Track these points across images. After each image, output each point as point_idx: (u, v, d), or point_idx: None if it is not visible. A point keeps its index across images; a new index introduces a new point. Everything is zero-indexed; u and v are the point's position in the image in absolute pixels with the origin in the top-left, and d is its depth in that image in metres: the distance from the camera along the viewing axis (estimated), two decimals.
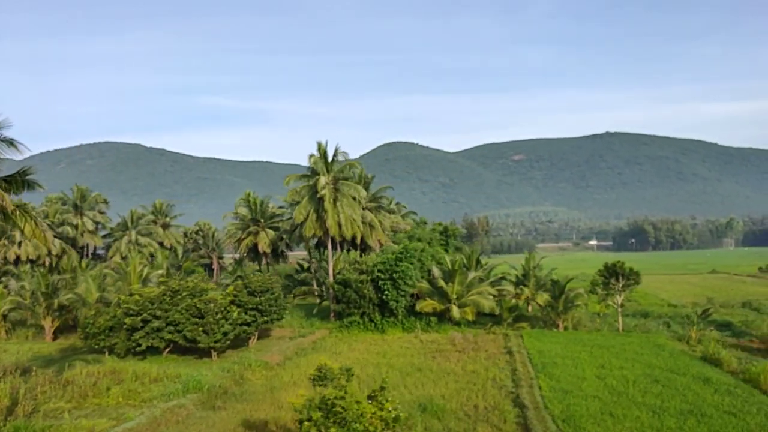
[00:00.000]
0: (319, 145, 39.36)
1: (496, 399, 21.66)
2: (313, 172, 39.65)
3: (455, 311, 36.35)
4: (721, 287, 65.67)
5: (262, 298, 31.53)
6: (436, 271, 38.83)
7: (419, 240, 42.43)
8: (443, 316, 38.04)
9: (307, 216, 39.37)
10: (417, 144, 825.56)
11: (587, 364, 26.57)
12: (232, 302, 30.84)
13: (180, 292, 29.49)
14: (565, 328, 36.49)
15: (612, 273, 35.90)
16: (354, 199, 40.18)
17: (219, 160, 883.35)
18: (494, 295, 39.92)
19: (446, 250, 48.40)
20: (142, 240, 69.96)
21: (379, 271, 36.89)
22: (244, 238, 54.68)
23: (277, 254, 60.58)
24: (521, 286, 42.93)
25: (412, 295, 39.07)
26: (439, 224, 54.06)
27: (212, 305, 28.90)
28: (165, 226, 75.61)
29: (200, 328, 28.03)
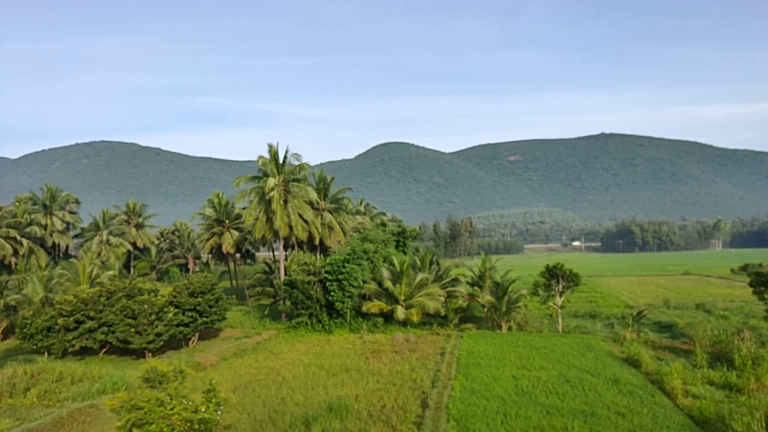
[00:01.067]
0: (270, 147, 39.65)
1: (407, 399, 21.98)
2: (265, 174, 39.91)
3: (399, 312, 36.67)
4: (686, 289, 66.14)
5: (201, 299, 31.76)
6: (385, 273, 39.12)
7: (371, 242, 42.61)
8: (390, 317, 38.35)
9: (257, 217, 39.63)
10: (413, 144, 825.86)
11: (510, 365, 26.91)
12: (170, 303, 31.06)
13: (115, 293, 29.71)
14: (509, 329, 36.81)
15: (553, 275, 36.24)
16: (306, 200, 40.39)
17: (215, 159, 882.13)
18: (446, 297, 40.28)
19: (404, 252, 48.64)
20: (114, 240, 70.10)
21: (326, 272, 37.21)
22: (209, 239, 54.86)
23: (243, 255, 60.74)
24: (476, 288, 43.31)
25: (362, 296, 39.43)
26: (398, 226, 54.33)
27: (146, 306, 29.12)
28: (138, 226, 75.75)
29: (132, 329, 28.27)
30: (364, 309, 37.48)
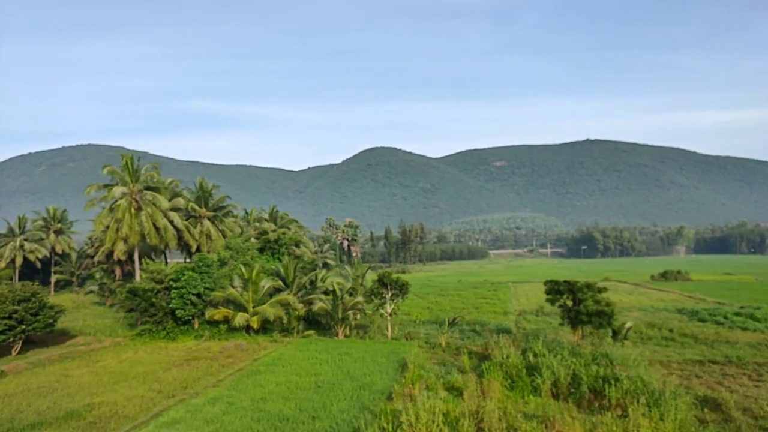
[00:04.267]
0: (123, 156, 40.45)
1: (148, 406, 22.82)
2: (120, 182, 40.69)
3: (238, 319, 37.37)
4: None
5: (20, 307, 32.40)
6: (236, 281, 39.95)
7: (230, 249, 43.40)
8: (242, 325, 39.09)
9: (108, 226, 40.40)
10: (400, 149, 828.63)
11: (294, 372, 27.65)
12: None
13: None
14: (346, 336, 37.72)
15: (383, 283, 37.19)
16: (167, 209, 41.16)
17: (202, 163, 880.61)
18: (305, 304, 41.15)
19: (279, 260, 49.44)
20: (29, 246, 70.46)
21: (171, 280, 37.98)
22: (99, 246, 55.41)
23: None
24: (349, 296, 44.19)
25: (214, 304, 40.16)
26: (282, 232, 55.09)
27: None
28: (58, 232, 76.10)
29: None
30: (207, 316, 38.25)
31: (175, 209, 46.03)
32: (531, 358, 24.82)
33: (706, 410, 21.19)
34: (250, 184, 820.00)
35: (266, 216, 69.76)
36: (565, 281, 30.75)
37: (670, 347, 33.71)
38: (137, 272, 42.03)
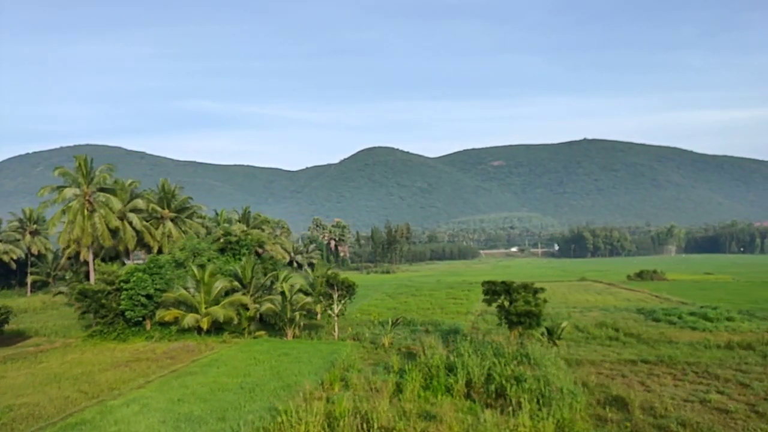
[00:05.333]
0: (77, 158, 40.72)
1: (58, 407, 23.06)
2: (73, 184, 40.96)
3: (187, 320, 37.65)
4: (555, 294, 67.72)
5: None
6: (189, 282, 40.21)
7: (189, 250, 43.59)
8: (191, 326, 39.34)
9: (63, 227, 40.67)
10: (397, 149, 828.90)
11: (228, 373, 27.95)
12: None
13: None
14: (294, 336, 37.99)
15: (330, 285, 37.44)
16: (122, 210, 41.41)
17: (200, 163, 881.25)
18: (259, 305, 41.41)
19: (240, 260, 49.67)
20: (3, 247, 70.73)
21: (121, 281, 38.25)
22: (66, 248, 55.63)
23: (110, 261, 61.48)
24: (308, 297, 44.46)
25: (167, 305, 40.39)
26: (246, 233, 55.29)
27: None
28: (34, 233, 76.37)
29: None
30: (157, 317, 38.51)
31: (135, 210, 46.29)
32: (452, 357, 25.08)
33: (612, 409, 21.47)
34: (248, 184, 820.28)
35: (237, 217, 69.89)
36: (501, 282, 31.02)
37: (612, 347, 33.96)
38: (91, 274, 42.31)
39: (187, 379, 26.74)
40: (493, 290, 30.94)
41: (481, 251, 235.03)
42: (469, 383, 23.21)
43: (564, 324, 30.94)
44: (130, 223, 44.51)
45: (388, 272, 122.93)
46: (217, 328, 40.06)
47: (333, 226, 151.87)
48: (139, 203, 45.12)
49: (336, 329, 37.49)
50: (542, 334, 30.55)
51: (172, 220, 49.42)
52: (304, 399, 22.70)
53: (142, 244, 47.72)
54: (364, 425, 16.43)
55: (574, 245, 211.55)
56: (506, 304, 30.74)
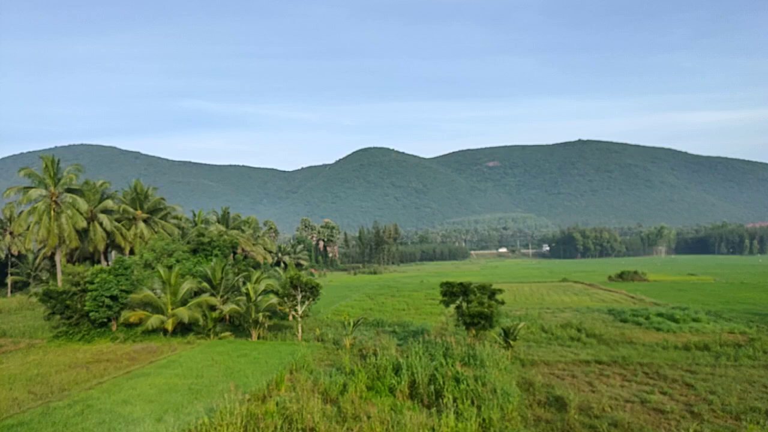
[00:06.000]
0: (44, 158, 40.74)
1: (1, 409, 23.11)
2: (40, 184, 40.97)
3: (151, 321, 37.68)
4: (530, 296, 68.13)
5: None
6: (156, 283, 40.26)
7: (157, 251, 43.68)
8: (157, 327, 39.37)
9: (28, 227, 40.68)
10: (393, 150, 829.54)
11: (182, 374, 27.99)
12: None
13: None
14: (259, 337, 38.08)
15: (294, 285, 37.55)
16: (85, 211, 41.42)
17: (195, 163, 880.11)
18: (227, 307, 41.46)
19: (212, 261, 49.80)
20: None
21: (87, 282, 38.26)
22: (41, 248, 55.64)
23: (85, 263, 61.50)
24: (284, 298, 44.48)
25: (131, 307, 40.39)
26: (220, 233, 55.35)
27: None
28: (14, 234, 76.09)
29: None
30: (122, 318, 38.52)
31: (106, 211, 46.28)
32: (400, 358, 25.24)
33: (551, 409, 21.67)
34: (243, 184, 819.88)
35: (217, 217, 69.90)
36: (459, 283, 31.20)
37: (571, 347, 34.21)
38: (59, 274, 42.32)
39: (140, 381, 26.79)
40: (450, 292, 31.12)
41: (472, 252, 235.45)
42: (414, 384, 23.41)
43: (521, 325, 31.13)
44: (101, 224, 44.49)
45: (375, 273, 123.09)
46: (186, 329, 40.18)
47: (322, 226, 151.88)
48: (110, 204, 45.17)
49: (300, 330, 37.59)
50: (499, 334, 30.74)
51: (144, 220, 49.43)
52: (242, 401, 22.92)
53: (113, 245, 47.72)
54: (285, 426, 16.56)
55: (565, 246, 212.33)
56: (464, 305, 30.92)
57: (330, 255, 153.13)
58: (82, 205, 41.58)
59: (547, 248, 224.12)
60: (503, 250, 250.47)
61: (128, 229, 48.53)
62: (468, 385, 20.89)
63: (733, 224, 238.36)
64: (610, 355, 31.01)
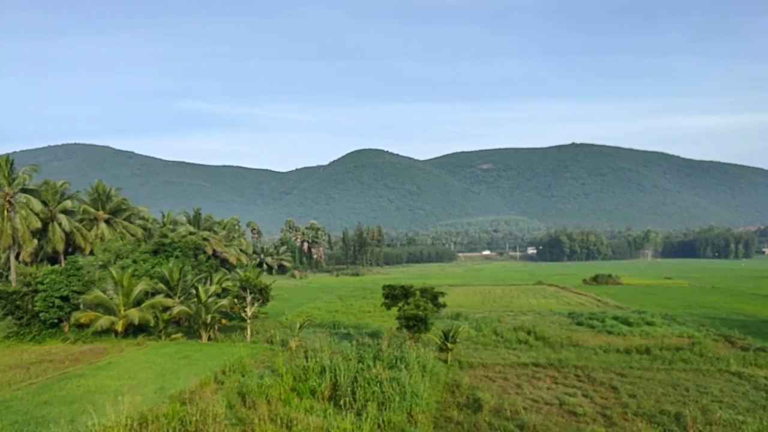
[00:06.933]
0: None
1: None
2: None
3: (101, 322, 37.67)
4: (500, 298, 68.52)
5: None
6: (108, 284, 40.26)
7: (112, 252, 43.70)
8: (109, 328, 39.37)
9: None
10: (387, 151, 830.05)
11: (117, 376, 28.02)
12: None
13: None
14: (210, 338, 38.13)
15: (244, 288, 37.64)
16: (39, 211, 41.37)
17: (188, 164, 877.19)
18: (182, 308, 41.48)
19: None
20: None
21: (38, 283, 38.22)
22: (5, 249, 55.37)
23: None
24: (235, 299, 44.51)
25: (84, 307, 40.37)
26: (183, 234, 55.37)
27: None
28: None
29: None
30: (73, 319, 38.49)
31: (67, 212, 46.22)
32: (327, 360, 25.37)
33: (468, 411, 21.85)
34: (237, 185, 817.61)
35: (188, 218, 69.83)
36: (401, 286, 31.37)
37: (516, 350, 34.40)
38: (12, 275, 42.28)
39: (71, 382, 26.79)
40: (392, 294, 31.28)
41: (460, 254, 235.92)
42: (336, 386, 23.55)
43: (462, 328, 31.33)
44: (60, 225, 44.42)
45: (357, 275, 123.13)
46: (141, 330, 40.18)
47: (306, 227, 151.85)
48: (69, 204, 45.11)
49: (249, 332, 37.67)
50: (440, 337, 30.92)
51: (106, 221, 49.38)
52: (171, 401, 22.99)
53: (73, 245, 47.65)
54: (179, 428, 16.69)
55: (551, 249, 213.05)
56: (405, 308, 31.09)
57: (315, 256, 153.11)
58: (37, 205, 41.54)
59: (534, 251, 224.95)
60: (486, 252, 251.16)
61: (89, 230, 48.46)
62: (380, 387, 21.03)
63: (720, 228, 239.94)
64: (550, 358, 31.21)
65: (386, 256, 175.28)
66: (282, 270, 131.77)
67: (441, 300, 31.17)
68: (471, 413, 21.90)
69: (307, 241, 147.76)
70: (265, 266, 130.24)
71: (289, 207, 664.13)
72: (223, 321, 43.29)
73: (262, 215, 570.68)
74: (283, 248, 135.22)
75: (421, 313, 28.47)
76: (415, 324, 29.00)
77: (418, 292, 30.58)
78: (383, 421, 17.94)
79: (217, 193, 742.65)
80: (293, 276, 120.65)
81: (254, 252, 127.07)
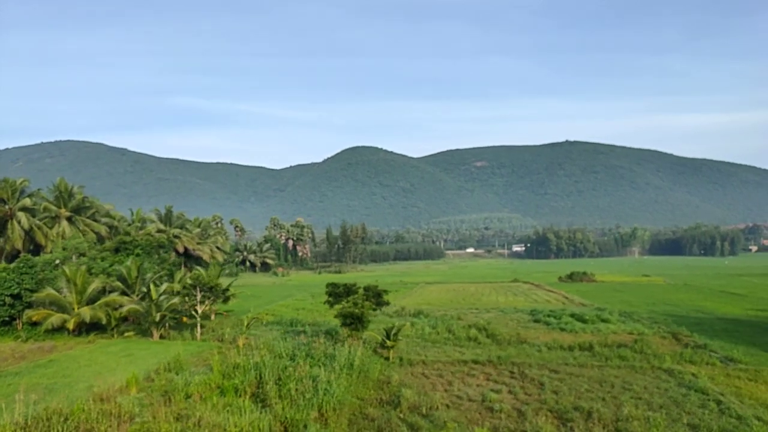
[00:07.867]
0: None
1: None
2: None
3: (52, 320, 37.68)
4: (473, 295, 69.00)
5: None
6: (62, 282, 40.24)
7: (68, 250, 43.65)
8: (62, 326, 39.36)
9: None
10: (381, 149, 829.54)
11: (53, 375, 28.00)
12: None
13: None
14: (161, 337, 38.20)
15: (193, 286, 37.71)
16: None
17: (182, 161, 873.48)
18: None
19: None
20: None
21: None
22: None
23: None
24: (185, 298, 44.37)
25: (37, 305, 40.30)
26: (147, 232, 55.44)
27: None
28: None
29: None
30: (25, 317, 38.48)
31: (26, 209, 46.13)
32: (257, 358, 25.54)
33: (388, 408, 22.06)
34: (231, 182, 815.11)
35: (159, 216, 69.73)
36: (344, 284, 31.53)
37: (463, 347, 34.62)
38: None
39: (4, 380, 26.78)
40: (335, 293, 31.44)
41: (448, 252, 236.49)
42: (260, 383, 23.72)
43: (405, 325, 31.53)
44: (19, 222, 44.33)
45: (339, 272, 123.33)
46: (96, 327, 40.18)
47: (292, 225, 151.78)
48: (28, 202, 45.01)
49: (198, 330, 37.77)
50: (382, 335, 31.12)
51: (68, 219, 49.30)
52: (95, 400, 23.09)
53: (35, 243, 47.56)
54: (64, 427, 16.84)
55: (539, 246, 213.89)
56: (345, 305, 31.26)
57: (300, 254, 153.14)
58: None
59: (520, 248, 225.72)
60: (470, 250, 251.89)
61: (51, 228, 48.39)
62: (296, 384, 21.22)
63: (707, 226, 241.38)
64: (491, 356, 31.47)
65: (373, 253, 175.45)
66: (265, 267, 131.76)
67: (385, 298, 31.32)
68: (390, 410, 22.13)
69: (292, 239, 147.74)
70: (248, 264, 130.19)
71: (283, 204, 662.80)
72: (184, 319, 43.38)
73: (256, 212, 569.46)
74: (267, 246, 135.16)
75: (357, 311, 28.64)
76: (352, 322, 29.16)
77: (360, 290, 30.69)
78: (286, 418, 18.08)
79: (211, 190, 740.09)
80: (275, 273, 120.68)
81: (237, 249, 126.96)
